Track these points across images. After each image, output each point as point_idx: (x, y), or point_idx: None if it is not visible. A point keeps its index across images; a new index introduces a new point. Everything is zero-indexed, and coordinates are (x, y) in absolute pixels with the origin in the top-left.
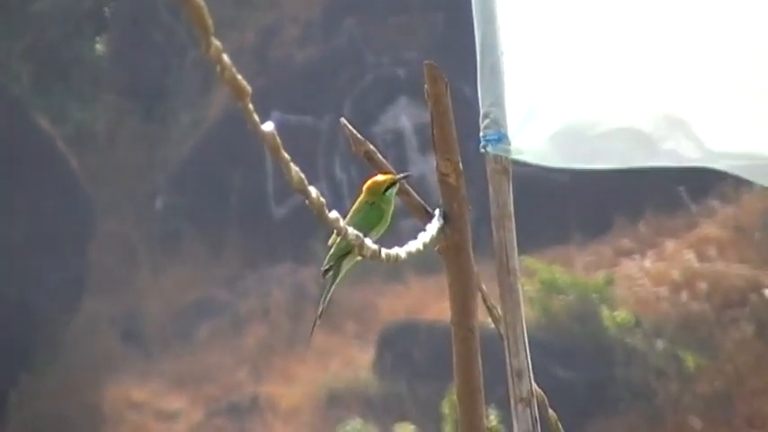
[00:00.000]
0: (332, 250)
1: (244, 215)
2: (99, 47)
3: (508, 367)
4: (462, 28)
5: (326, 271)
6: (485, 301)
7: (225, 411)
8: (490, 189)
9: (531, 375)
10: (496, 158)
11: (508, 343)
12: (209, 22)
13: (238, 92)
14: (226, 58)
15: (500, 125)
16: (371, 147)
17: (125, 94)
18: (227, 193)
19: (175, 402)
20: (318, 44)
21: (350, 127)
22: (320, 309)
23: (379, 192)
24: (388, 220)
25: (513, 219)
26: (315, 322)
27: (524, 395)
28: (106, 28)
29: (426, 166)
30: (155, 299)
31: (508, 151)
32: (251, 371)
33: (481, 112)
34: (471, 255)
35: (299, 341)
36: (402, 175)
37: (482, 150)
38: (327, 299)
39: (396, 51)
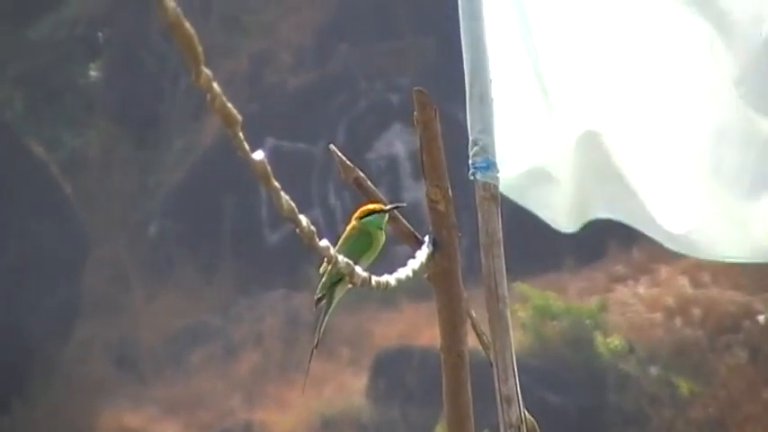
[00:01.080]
0: (323, 279)
1: (237, 241)
2: (92, 73)
3: (497, 394)
4: (455, 53)
5: (319, 300)
6: (474, 327)
7: None
8: (479, 216)
9: (521, 402)
10: (485, 186)
11: (497, 370)
12: (200, 50)
13: (228, 120)
14: (216, 86)
15: (488, 152)
16: (361, 174)
17: (118, 120)
18: (220, 219)
19: (168, 429)
20: (311, 70)
21: (339, 154)
22: (316, 339)
23: (360, 218)
24: (379, 247)
25: (502, 246)
26: (311, 353)
27: (514, 422)
28: (99, 54)
29: (420, 192)
30: (147, 324)
31: (496, 179)
32: (244, 397)
33: (470, 139)
34: (460, 281)
35: (292, 367)
36: (391, 206)
37: (471, 178)
38: (322, 328)
39: (389, 77)
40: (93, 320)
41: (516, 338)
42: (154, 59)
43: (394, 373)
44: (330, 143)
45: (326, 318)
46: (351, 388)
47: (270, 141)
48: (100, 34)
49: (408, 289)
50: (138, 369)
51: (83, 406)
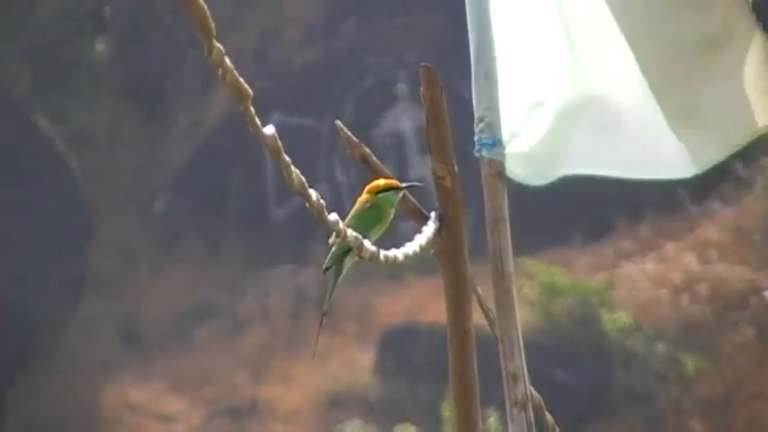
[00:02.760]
0: (333, 249)
1: (243, 217)
2: (99, 48)
3: (503, 371)
4: (463, 30)
5: (327, 269)
6: (480, 303)
7: (224, 413)
8: (485, 193)
9: (527, 379)
10: (491, 163)
11: (503, 347)
12: (212, 25)
13: (240, 95)
14: (228, 61)
15: (494, 130)
16: (367, 150)
17: (125, 95)
18: (226, 195)
19: (175, 404)
20: (319, 46)
21: (345, 130)
22: (325, 307)
23: (375, 193)
24: (388, 221)
25: (508, 223)
26: (321, 321)
27: (519, 399)
28: (106, 29)
29: (426, 168)
30: (154, 300)
31: (503, 156)
32: (250, 373)
33: (476, 116)
34: (466, 257)
35: (298, 343)
36: (407, 184)
37: (477, 155)
38: (331, 297)
39: (396, 53)
40: (99, 296)
41: (523, 315)
42: (161, 34)
43: (401, 348)
44: (337, 119)
45: (335, 287)
46: (357, 363)
47: (276, 117)
48: (107, 9)
49: (414, 264)
50: (144, 345)
51: (88, 381)
